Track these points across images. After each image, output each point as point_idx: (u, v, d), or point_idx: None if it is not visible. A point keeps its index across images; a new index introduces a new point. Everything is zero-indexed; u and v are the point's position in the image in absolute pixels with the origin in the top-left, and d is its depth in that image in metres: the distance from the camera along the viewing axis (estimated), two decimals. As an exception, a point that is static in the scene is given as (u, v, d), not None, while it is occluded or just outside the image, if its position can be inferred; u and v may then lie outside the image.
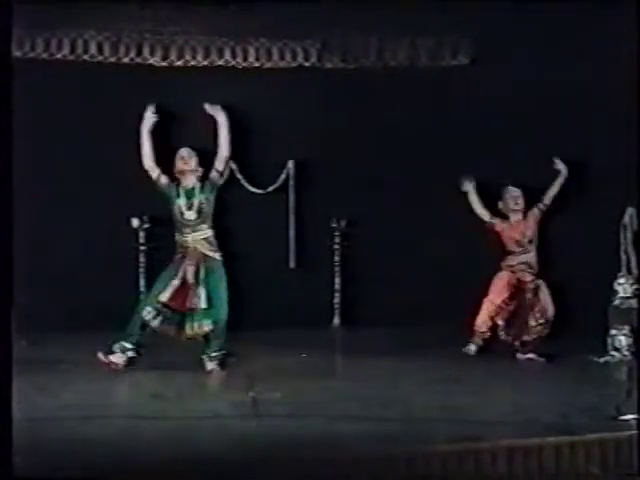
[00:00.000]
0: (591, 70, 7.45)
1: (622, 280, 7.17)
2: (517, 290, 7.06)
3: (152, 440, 4.81)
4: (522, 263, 7.09)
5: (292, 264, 8.46)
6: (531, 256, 7.12)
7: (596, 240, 7.34)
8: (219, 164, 6.79)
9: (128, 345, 6.43)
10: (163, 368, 6.47)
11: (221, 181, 6.85)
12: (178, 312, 6.47)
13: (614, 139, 7.41)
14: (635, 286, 7.13)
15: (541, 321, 7.01)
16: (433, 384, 6.08)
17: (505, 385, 6.24)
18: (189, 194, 6.63)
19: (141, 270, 8.08)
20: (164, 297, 6.40)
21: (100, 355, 6.44)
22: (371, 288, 8.28)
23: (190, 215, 6.57)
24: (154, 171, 6.79)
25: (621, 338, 6.98)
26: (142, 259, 8.08)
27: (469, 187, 7.44)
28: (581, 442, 4.76)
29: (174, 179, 6.79)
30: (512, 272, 7.09)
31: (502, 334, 7.08)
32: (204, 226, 6.59)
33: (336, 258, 8.48)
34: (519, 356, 6.93)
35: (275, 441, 4.80)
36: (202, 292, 6.41)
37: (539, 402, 5.62)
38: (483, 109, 8.04)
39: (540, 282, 7.11)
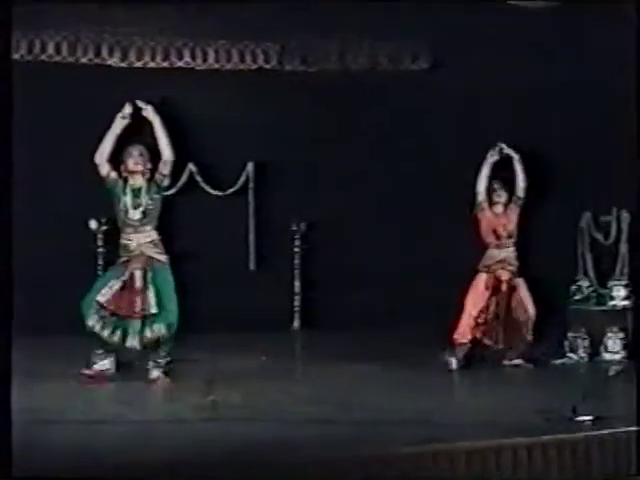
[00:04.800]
0: (554, 71, 7.54)
1: (579, 283, 7.25)
2: (495, 292, 6.93)
3: (110, 444, 4.77)
4: (500, 261, 6.94)
5: (252, 266, 8.44)
6: (509, 252, 6.95)
7: (558, 243, 7.40)
8: (163, 168, 6.54)
9: (102, 352, 6.34)
10: (119, 372, 6.42)
11: (165, 183, 6.61)
12: (120, 318, 6.31)
13: (578, 140, 7.49)
14: (591, 289, 7.21)
15: (522, 320, 6.91)
16: (393, 387, 6.10)
17: (465, 388, 6.28)
18: (136, 193, 6.44)
19: (99, 272, 8.01)
20: (102, 298, 6.26)
21: (85, 371, 6.31)
22: (331, 291, 8.29)
23: (134, 214, 6.38)
24: (104, 167, 6.55)
25: (578, 340, 7.05)
26: (100, 261, 8.01)
27: (491, 159, 7.06)
28: (538, 443, 4.80)
29: (121, 177, 6.55)
30: (489, 272, 6.94)
31: (486, 341, 6.92)
32: (148, 227, 6.40)
33: (296, 261, 8.48)
34: (505, 362, 6.83)
35: (235, 444, 4.78)
36: (152, 297, 6.28)
37: (497, 404, 5.66)
38: (443, 112, 8.10)
39: (519, 280, 6.96)
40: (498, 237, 6.98)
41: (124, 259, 6.41)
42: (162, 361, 6.36)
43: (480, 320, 6.86)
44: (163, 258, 6.43)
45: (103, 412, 5.46)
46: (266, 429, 5.05)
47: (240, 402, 5.65)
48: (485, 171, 7.06)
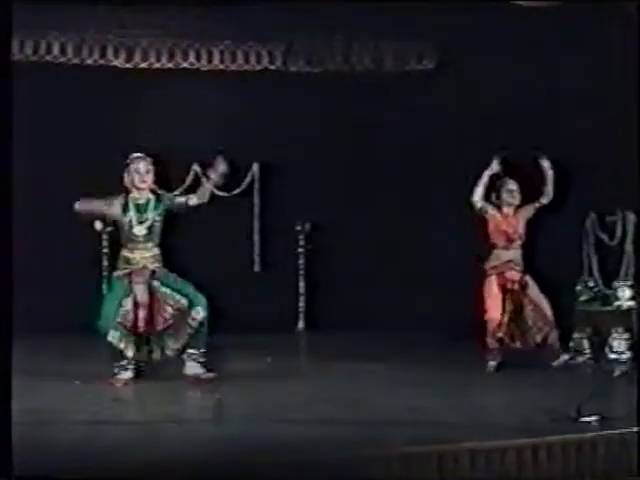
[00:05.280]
0: (559, 71, 7.53)
1: (584, 284, 7.23)
2: (506, 292, 6.83)
3: (115, 445, 4.77)
4: (507, 261, 6.83)
5: (257, 268, 8.45)
6: (517, 253, 6.86)
7: (563, 244, 7.38)
8: (191, 200, 6.36)
9: (124, 364, 6.22)
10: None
11: (173, 206, 6.36)
12: (141, 334, 6.21)
13: (582, 139, 7.47)
14: (596, 289, 7.19)
15: (537, 319, 6.84)
16: (398, 387, 6.08)
17: (469, 388, 6.25)
18: (141, 208, 6.22)
19: (104, 273, 8.03)
20: (121, 319, 6.14)
21: (111, 381, 6.18)
22: (335, 292, 8.29)
23: (140, 230, 6.17)
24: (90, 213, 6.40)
25: (584, 341, 7.03)
26: (105, 262, 8.03)
27: (494, 166, 6.93)
28: (543, 444, 4.79)
29: (123, 189, 6.29)
30: (499, 274, 6.84)
31: (507, 340, 6.83)
32: (151, 244, 6.21)
33: (301, 262, 8.48)
34: (559, 360, 6.76)
35: (239, 445, 4.78)
36: (175, 294, 6.18)
37: (502, 404, 5.65)
38: (448, 112, 8.09)
39: (527, 278, 6.87)
40: (508, 238, 6.91)
41: (126, 271, 6.26)
42: (196, 352, 6.21)
43: (503, 321, 6.81)
44: (163, 270, 6.32)
45: (105, 412, 5.45)
46: (270, 429, 5.04)
47: (244, 402, 5.65)
48: (484, 180, 6.92)
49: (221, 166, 6.40)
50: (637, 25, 6.39)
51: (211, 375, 6.25)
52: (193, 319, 6.23)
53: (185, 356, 6.27)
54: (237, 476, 4.42)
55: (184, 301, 6.22)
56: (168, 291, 6.23)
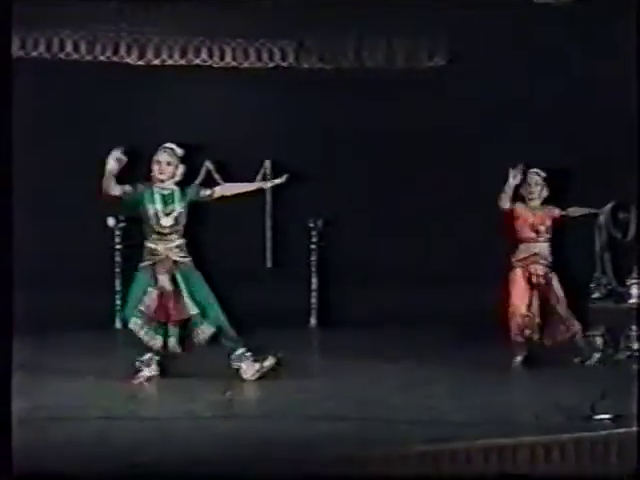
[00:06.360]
0: (574, 67, 7.51)
1: (597, 281, 7.20)
2: (533, 286, 6.81)
3: (127, 441, 4.79)
4: (534, 254, 6.81)
5: (269, 264, 8.45)
6: (544, 246, 6.85)
7: (576, 240, 7.36)
8: (218, 192, 6.41)
9: (146, 359, 6.21)
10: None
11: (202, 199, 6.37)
12: (161, 324, 6.19)
13: (598, 136, 7.44)
14: (609, 287, 7.17)
15: (558, 315, 6.79)
16: (410, 385, 6.08)
17: (483, 386, 6.25)
18: (167, 199, 6.17)
19: (117, 269, 8.05)
20: (143, 306, 6.13)
21: (135, 380, 6.18)
22: (348, 288, 8.29)
23: (167, 222, 6.13)
24: (115, 191, 6.12)
25: (597, 338, 7.01)
26: (118, 258, 8.05)
27: (514, 181, 6.82)
28: (556, 442, 4.78)
29: (148, 179, 6.25)
30: (525, 266, 6.81)
31: (531, 336, 6.81)
32: (175, 236, 6.19)
33: (313, 258, 8.49)
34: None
35: (251, 442, 4.79)
36: (187, 299, 6.15)
37: (516, 403, 5.64)
38: (459, 109, 8.08)
39: (553, 275, 6.87)
40: (536, 231, 6.87)
41: (149, 262, 6.23)
42: (240, 352, 6.19)
43: (531, 316, 6.77)
44: (187, 260, 6.29)
45: (120, 409, 5.47)
46: (283, 426, 5.05)
47: (257, 399, 5.66)
48: (508, 193, 6.84)
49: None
50: (636, 24, 6.38)
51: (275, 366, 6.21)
52: (198, 334, 6.21)
53: (232, 362, 6.23)
54: (250, 472, 4.43)
55: (195, 310, 6.18)
56: (185, 293, 6.20)
